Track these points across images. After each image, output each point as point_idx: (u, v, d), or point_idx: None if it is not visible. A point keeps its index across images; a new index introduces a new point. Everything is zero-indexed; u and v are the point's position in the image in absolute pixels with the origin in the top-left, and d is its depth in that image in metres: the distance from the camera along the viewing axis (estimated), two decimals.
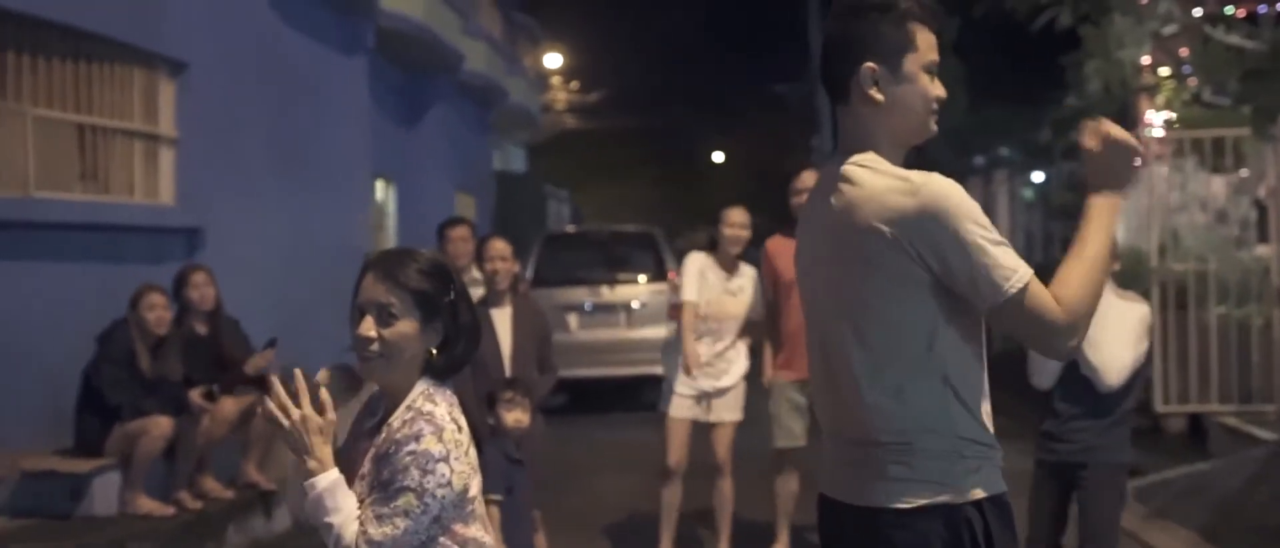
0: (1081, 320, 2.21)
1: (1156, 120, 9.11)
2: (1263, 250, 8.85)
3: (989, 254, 2.15)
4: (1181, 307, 8.44)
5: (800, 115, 30.35)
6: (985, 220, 2.20)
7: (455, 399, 2.34)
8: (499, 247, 5.20)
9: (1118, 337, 4.21)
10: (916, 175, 2.22)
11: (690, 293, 5.85)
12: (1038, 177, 14.90)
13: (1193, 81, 8.28)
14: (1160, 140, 9.02)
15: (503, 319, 5.11)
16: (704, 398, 5.91)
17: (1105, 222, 2.28)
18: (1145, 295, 8.90)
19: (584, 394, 11.66)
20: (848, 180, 2.27)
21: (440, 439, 2.23)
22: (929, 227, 2.17)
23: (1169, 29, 7.66)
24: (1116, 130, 2.31)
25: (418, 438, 2.21)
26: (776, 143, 33.42)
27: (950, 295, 2.22)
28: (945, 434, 2.24)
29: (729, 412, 5.97)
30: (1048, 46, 9.58)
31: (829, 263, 2.32)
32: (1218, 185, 9.19)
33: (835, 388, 2.33)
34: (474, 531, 2.33)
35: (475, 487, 2.34)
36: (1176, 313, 8.42)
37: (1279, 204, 7.38)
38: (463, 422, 2.30)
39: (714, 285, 5.87)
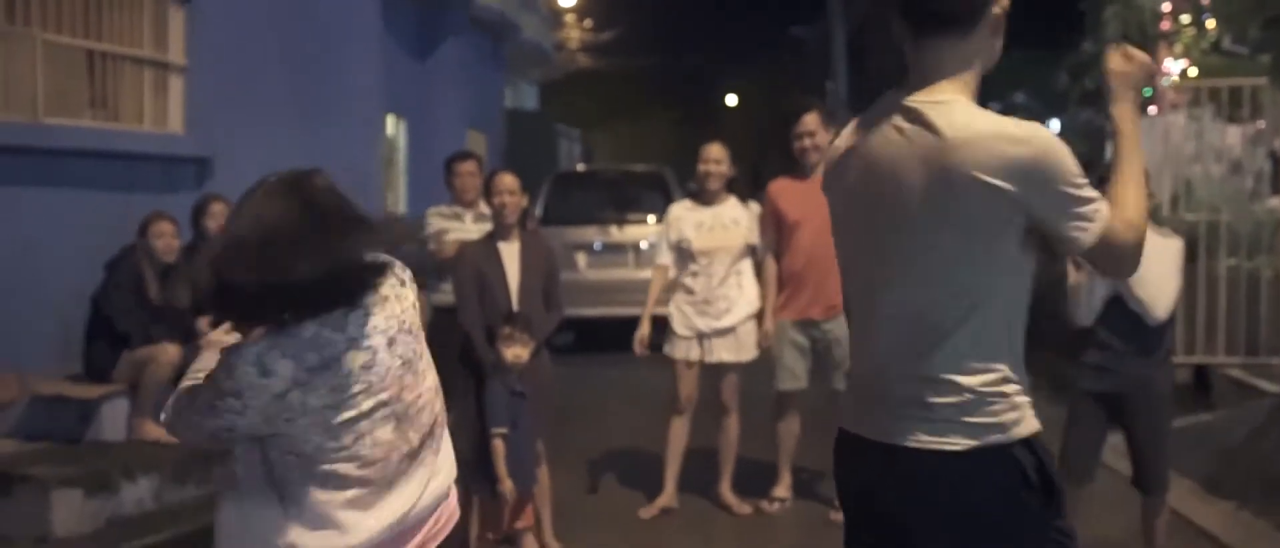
0: (1143, 235, 2.30)
1: (1174, 68, 9.01)
2: (1276, 202, 8.78)
3: (1083, 202, 2.20)
4: (1192, 258, 8.37)
5: (816, 58, 30.12)
6: (1078, 167, 2.23)
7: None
8: (507, 181, 5.19)
9: (1161, 271, 4.42)
10: (1017, 124, 2.23)
11: (661, 256, 5.97)
12: (1054, 124, 14.78)
13: (1212, 28, 8.18)
14: (1177, 89, 8.92)
15: (510, 253, 5.11)
16: (702, 338, 5.92)
17: (1134, 133, 2.35)
18: None
19: (592, 333, 11.69)
20: (930, 121, 2.24)
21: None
22: (1038, 179, 2.18)
23: None
24: (1139, 53, 2.40)
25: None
26: (792, 86, 33.20)
27: (1029, 238, 2.24)
28: (1003, 377, 2.26)
29: (729, 352, 5.96)
30: None
31: (892, 205, 2.27)
32: (1233, 136, 9.10)
33: (892, 332, 2.31)
34: (331, 501, 2.33)
35: (333, 458, 2.31)
36: (1187, 264, 8.38)
37: None
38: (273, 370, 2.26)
39: (698, 223, 5.86)
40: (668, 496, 6.04)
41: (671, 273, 6.01)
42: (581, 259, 11.46)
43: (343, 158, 9.29)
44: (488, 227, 5.37)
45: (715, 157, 5.94)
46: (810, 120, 5.75)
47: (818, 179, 5.72)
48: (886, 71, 17.80)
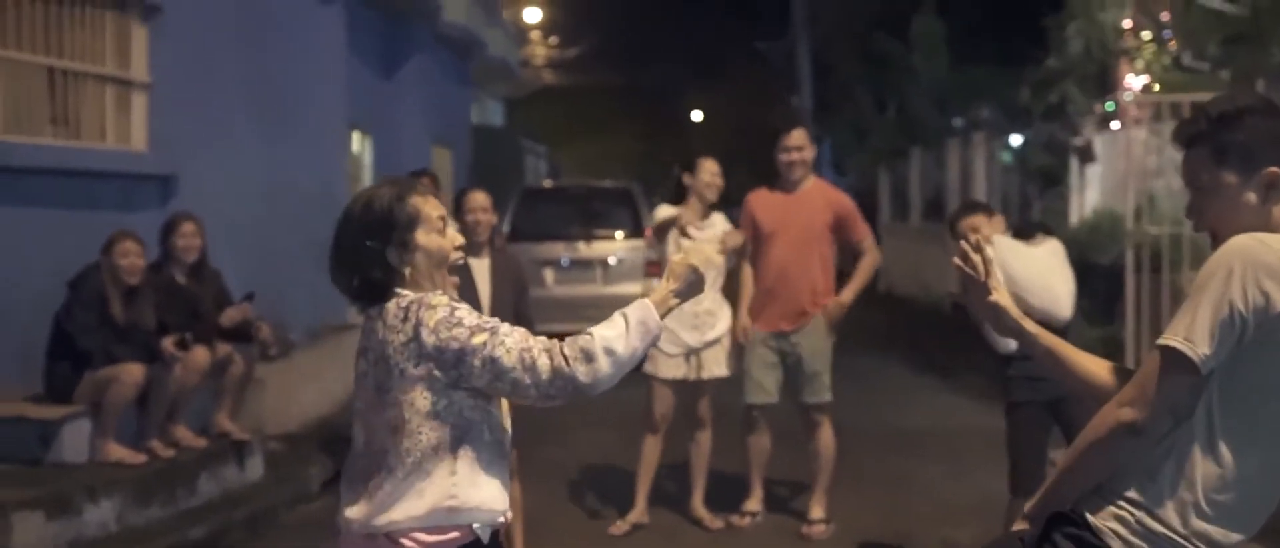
0: None
1: (1135, 84, 9.11)
2: None
3: None
4: (1156, 270, 8.48)
5: (781, 73, 30.24)
6: None
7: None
8: (478, 199, 5.21)
9: (1045, 277, 4.60)
10: None
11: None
12: (1015, 139, 14.90)
13: (1173, 45, 8.27)
14: (1139, 104, 9.02)
15: (481, 270, 5.10)
16: (691, 354, 5.91)
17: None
18: (1120, 258, 9.01)
19: None
20: None
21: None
22: None
23: None
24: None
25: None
26: (757, 100, 33.31)
27: None
28: None
29: (717, 366, 5.98)
30: (1030, 7, 9.58)
31: None
32: None
33: None
34: None
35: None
36: (1151, 276, 8.46)
37: None
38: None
39: (691, 236, 5.87)
40: (638, 511, 6.02)
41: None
42: (549, 275, 11.44)
43: (308, 174, 9.24)
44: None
45: (715, 170, 5.95)
46: (798, 136, 5.87)
47: (798, 194, 5.81)
48: (850, 86, 17.98)
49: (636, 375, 6.01)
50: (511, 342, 2.49)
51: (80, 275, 5.98)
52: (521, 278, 5.38)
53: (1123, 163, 9.10)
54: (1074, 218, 11.63)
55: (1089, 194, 11.73)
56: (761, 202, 5.96)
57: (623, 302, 2.74)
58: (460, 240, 2.72)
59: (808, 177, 5.90)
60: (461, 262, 2.78)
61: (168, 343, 6.15)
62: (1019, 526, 2.46)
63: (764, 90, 32.60)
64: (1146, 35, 8.57)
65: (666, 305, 2.62)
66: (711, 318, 5.92)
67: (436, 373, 2.51)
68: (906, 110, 17.70)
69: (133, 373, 5.87)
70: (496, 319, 2.57)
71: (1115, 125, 10.62)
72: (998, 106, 14.31)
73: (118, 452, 5.92)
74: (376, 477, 2.57)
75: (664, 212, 5.92)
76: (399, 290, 2.61)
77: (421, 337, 2.51)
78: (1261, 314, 2.17)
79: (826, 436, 5.98)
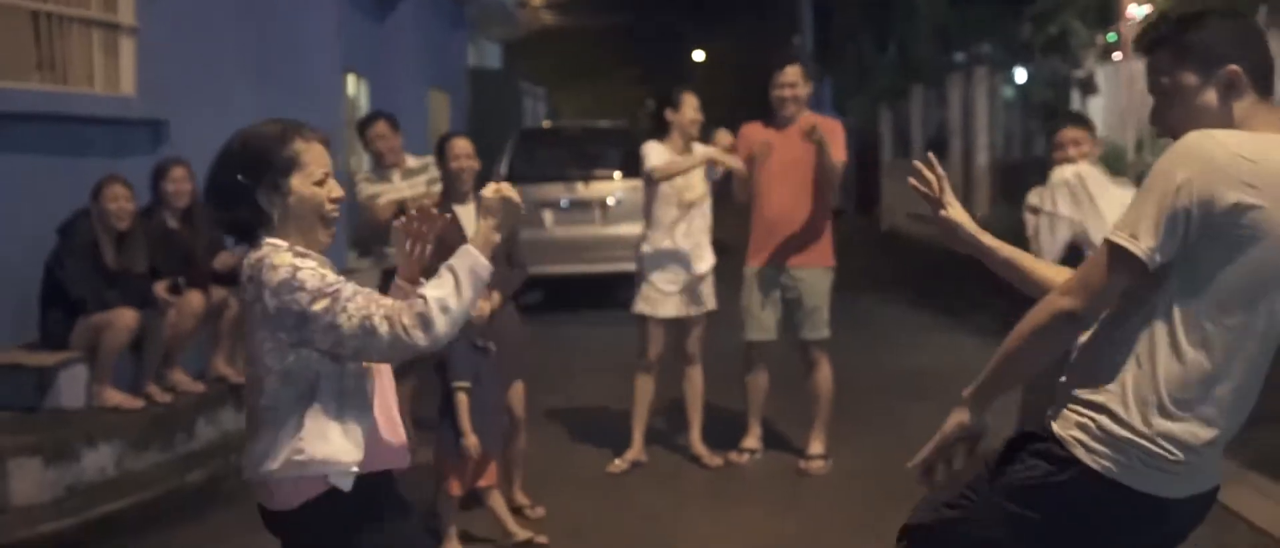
0: None
1: (1137, 13, 8.99)
2: None
3: None
4: None
5: (783, 14, 29.95)
6: None
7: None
8: (461, 145, 5.19)
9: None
10: None
11: (655, 159, 5.80)
12: (1020, 73, 14.76)
13: None
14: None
15: (468, 216, 5.06)
16: (687, 288, 5.88)
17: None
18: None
19: (559, 291, 11.63)
20: None
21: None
22: None
23: None
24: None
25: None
26: (759, 42, 33.01)
27: None
28: None
29: (709, 300, 5.98)
30: None
31: None
32: None
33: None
34: None
35: None
36: None
37: None
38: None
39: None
40: (636, 449, 6.02)
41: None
42: (548, 217, 11.38)
43: (303, 119, 9.15)
44: (418, 181, 5.72)
45: (697, 105, 5.88)
46: (793, 72, 5.81)
47: (792, 130, 5.74)
48: (852, 27, 17.78)
49: (629, 315, 6.05)
50: (353, 308, 2.47)
51: (69, 222, 5.93)
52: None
53: (1125, 95, 9.01)
54: None
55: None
56: (755, 135, 5.90)
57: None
58: (339, 194, 2.67)
59: (800, 112, 5.82)
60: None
61: (160, 288, 6.12)
62: (957, 415, 2.40)
63: (766, 32, 32.31)
64: None
65: (490, 243, 2.64)
66: (701, 251, 5.90)
67: (280, 334, 2.52)
68: (907, 49, 17.53)
69: (126, 318, 5.84)
70: (342, 280, 2.53)
71: (1117, 57, 10.50)
72: (999, 42, 14.15)
73: (115, 397, 5.91)
74: (251, 428, 2.65)
75: (653, 157, 5.82)
76: (267, 239, 2.59)
77: (264, 298, 2.51)
78: (1207, 208, 2.13)
79: (825, 372, 5.95)
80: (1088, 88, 11.06)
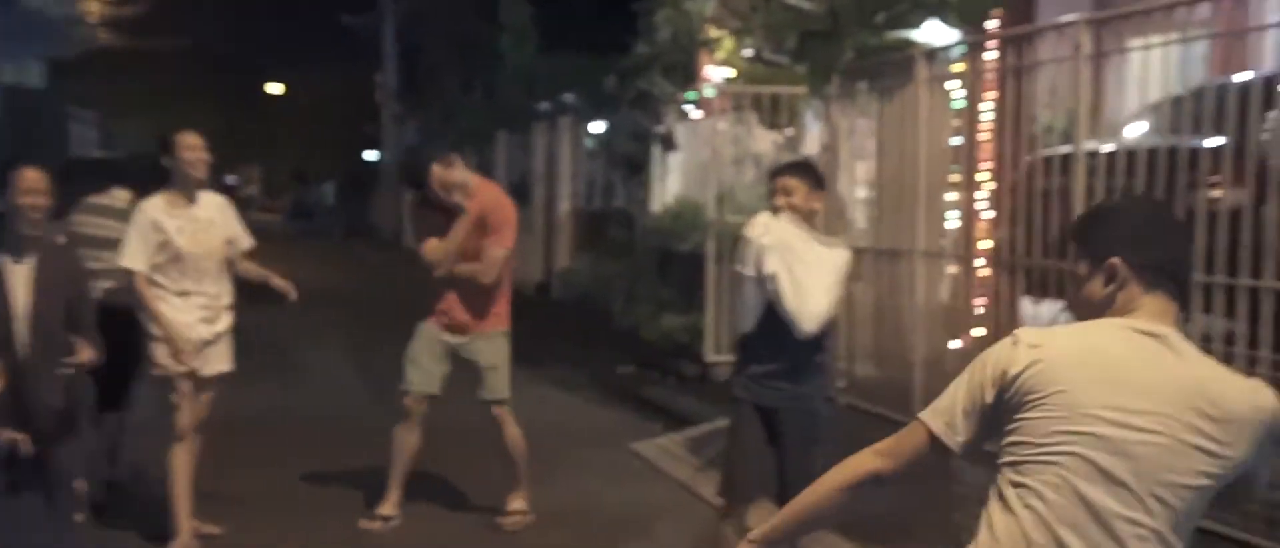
0: None
1: (716, 74, 9.26)
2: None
3: None
4: (731, 259, 8.63)
5: (366, 50, 29.20)
6: None
7: None
8: (31, 178, 4.31)
9: (817, 280, 4.07)
10: None
11: (135, 260, 4.94)
12: (600, 126, 15.02)
13: (753, 38, 8.45)
14: (722, 95, 9.19)
15: (21, 275, 4.29)
16: (203, 347, 5.09)
17: None
18: (701, 246, 9.16)
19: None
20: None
21: None
22: None
23: None
24: None
25: None
26: (342, 78, 32.01)
27: None
28: None
29: (223, 362, 5.22)
30: None
31: None
32: (766, 142, 9.49)
33: None
34: None
35: None
36: (730, 264, 8.61)
37: (831, 160, 7.64)
38: None
39: (184, 222, 5.04)
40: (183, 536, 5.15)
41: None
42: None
43: None
44: None
45: (198, 143, 5.13)
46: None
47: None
48: (438, 68, 17.32)
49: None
50: None
51: None
52: (79, 277, 4.58)
53: (706, 152, 9.23)
54: (656, 205, 11.80)
55: (671, 182, 11.95)
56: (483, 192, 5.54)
57: None
58: None
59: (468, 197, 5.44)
60: None
61: None
62: None
63: (350, 68, 31.37)
64: (728, 27, 8.70)
65: None
66: (221, 307, 5.17)
67: None
68: (494, 93, 17.46)
69: None
70: None
71: (698, 114, 10.83)
72: (585, 92, 14.33)
73: None
74: None
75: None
76: None
77: None
78: (998, 397, 2.18)
79: (513, 430, 5.61)
80: (668, 144, 11.33)
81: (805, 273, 4.03)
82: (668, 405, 8.20)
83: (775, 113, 8.88)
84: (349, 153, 34.56)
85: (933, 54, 6.79)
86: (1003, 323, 6.08)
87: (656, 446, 7.16)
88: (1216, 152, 4.90)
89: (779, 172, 4.36)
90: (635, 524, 5.65)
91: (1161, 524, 2.05)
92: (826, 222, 7.39)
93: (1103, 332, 2.19)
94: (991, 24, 6.82)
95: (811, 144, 9.34)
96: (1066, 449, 2.07)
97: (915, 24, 7.14)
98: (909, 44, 7.11)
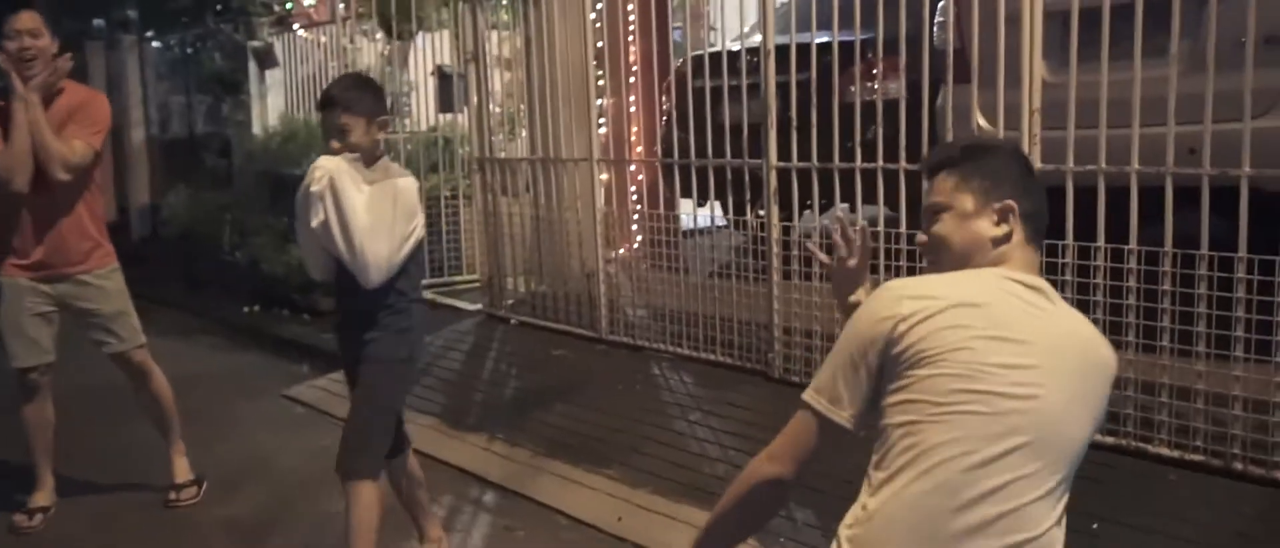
0: None
1: None
2: (444, 119, 8.81)
3: None
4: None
5: None
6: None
7: None
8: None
9: (373, 221, 3.52)
10: None
11: None
12: (174, 41, 13.67)
13: None
14: (320, 3, 8.55)
15: None
16: None
17: None
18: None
19: None
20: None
21: None
22: None
23: None
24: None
25: None
26: None
27: None
28: None
29: None
30: None
31: None
32: (372, 55, 8.85)
33: None
34: None
35: None
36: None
37: (478, 71, 7.20)
38: None
39: None
40: None
41: None
42: None
43: None
44: None
45: None
46: (29, 18, 4.44)
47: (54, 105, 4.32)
48: None
49: None
50: None
51: None
52: None
53: (307, 67, 8.55)
54: (258, 128, 10.89)
55: (272, 100, 11.04)
56: None
57: None
58: None
59: (56, 79, 4.46)
60: None
61: None
62: None
63: None
64: None
65: None
66: None
67: None
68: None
69: None
70: None
71: (298, 28, 10.05)
72: (149, 4, 12.92)
73: None
74: None
75: None
76: None
77: None
78: (882, 356, 2.03)
79: (160, 381, 4.87)
80: (266, 60, 10.46)
81: (358, 220, 3.50)
82: (310, 344, 7.60)
83: (402, 20, 8.35)
84: None
85: None
86: (662, 227, 6.08)
87: (314, 388, 6.61)
88: (874, 43, 5.08)
89: (325, 104, 3.67)
90: (326, 477, 5.17)
91: (1057, 480, 1.98)
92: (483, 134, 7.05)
93: (985, 283, 2.08)
94: None
95: (421, 55, 8.91)
96: (966, 409, 1.94)
97: None
98: None
